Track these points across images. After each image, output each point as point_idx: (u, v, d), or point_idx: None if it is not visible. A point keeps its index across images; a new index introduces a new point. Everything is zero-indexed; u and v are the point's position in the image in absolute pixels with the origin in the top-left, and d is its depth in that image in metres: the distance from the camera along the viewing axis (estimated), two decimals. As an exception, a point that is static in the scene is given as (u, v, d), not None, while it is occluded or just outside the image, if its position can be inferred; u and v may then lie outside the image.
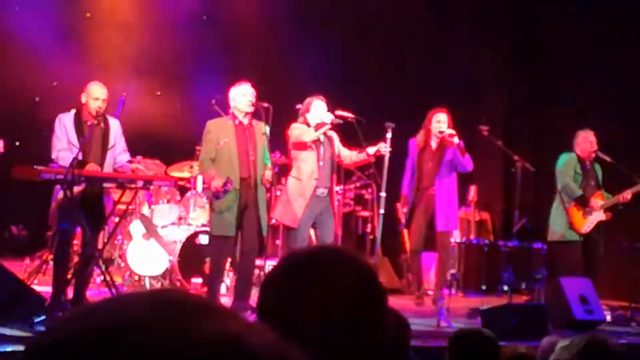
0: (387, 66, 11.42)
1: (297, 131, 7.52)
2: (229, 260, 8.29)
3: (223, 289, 8.07)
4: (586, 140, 8.57)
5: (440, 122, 8.25)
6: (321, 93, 7.64)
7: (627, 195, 8.40)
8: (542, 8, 11.72)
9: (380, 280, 1.40)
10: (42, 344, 0.76)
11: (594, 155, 8.56)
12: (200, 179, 8.94)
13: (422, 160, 8.32)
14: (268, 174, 7.21)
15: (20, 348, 4.99)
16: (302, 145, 7.49)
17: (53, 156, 6.75)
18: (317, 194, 7.43)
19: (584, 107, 10.49)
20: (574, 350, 2.46)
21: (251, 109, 7.17)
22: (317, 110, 7.57)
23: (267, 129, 7.27)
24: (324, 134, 7.60)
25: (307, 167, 7.50)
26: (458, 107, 8.45)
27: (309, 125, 7.57)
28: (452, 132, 8.15)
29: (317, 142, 7.52)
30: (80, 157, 6.57)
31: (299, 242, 7.37)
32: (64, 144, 6.76)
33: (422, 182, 8.30)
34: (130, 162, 7.09)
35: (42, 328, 5.65)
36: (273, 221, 9.13)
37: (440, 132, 8.20)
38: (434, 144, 8.32)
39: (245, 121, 7.22)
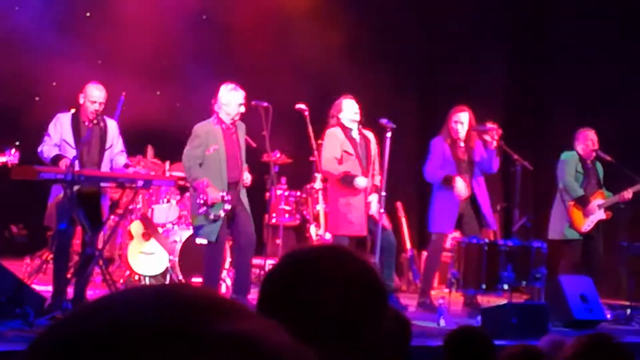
0: (386, 65, 11.40)
1: (326, 152, 7.69)
2: (229, 259, 8.28)
3: (223, 288, 8.05)
4: (587, 139, 8.55)
5: (458, 122, 8.07)
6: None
7: (628, 194, 8.38)
8: (544, 6, 11.71)
9: (381, 279, 1.39)
10: (43, 345, 0.70)
11: (594, 154, 8.55)
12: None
13: (458, 159, 8.10)
14: (247, 176, 7.23)
15: (20, 348, 4.99)
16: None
17: (38, 150, 6.78)
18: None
19: (583, 105, 10.48)
20: (578, 347, 2.46)
21: (238, 118, 7.18)
22: (349, 109, 7.61)
23: (244, 127, 7.29)
24: (360, 132, 7.73)
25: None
26: (453, 105, 8.40)
27: (342, 126, 7.61)
28: (494, 126, 8.07)
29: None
30: (77, 157, 6.59)
31: None
32: (55, 140, 6.78)
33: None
34: (127, 165, 7.05)
35: (43, 328, 5.65)
36: (273, 221, 9.14)
37: (477, 128, 8.11)
38: (461, 143, 8.14)
39: (231, 125, 7.20)
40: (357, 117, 7.73)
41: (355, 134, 7.76)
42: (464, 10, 11.69)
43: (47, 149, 6.72)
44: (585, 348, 2.46)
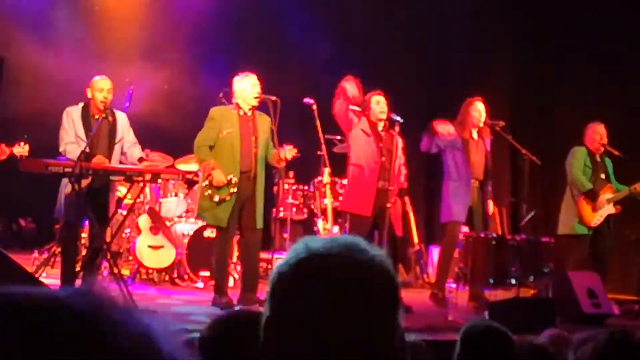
0: (390, 62, 11.38)
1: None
2: (236, 253, 8.28)
3: (230, 282, 8.04)
4: (596, 133, 8.52)
5: (479, 111, 8.05)
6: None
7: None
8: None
9: (394, 273, 1.38)
10: None
11: (602, 148, 8.52)
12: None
13: (469, 152, 8.03)
14: (287, 152, 7.15)
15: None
16: None
17: (61, 149, 6.78)
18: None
19: (589, 100, 10.45)
20: (596, 344, 2.43)
21: (257, 103, 7.13)
22: (375, 107, 7.61)
23: (270, 122, 7.22)
24: (385, 130, 7.63)
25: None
26: (461, 101, 8.38)
27: (370, 122, 7.60)
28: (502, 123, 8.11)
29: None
30: (87, 150, 6.60)
31: None
32: (72, 137, 6.78)
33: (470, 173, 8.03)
34: (141, 159, 7.04)
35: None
36: (281, 214, 9.14)
37: (485, 123, 8.11)
38: (475, 134, 8.11)
39: (249, 112, 7.17)
40: (383, 116, 7.64)
41: (380, 129, 7.68)
42: (470, 6, 11.68)
43: (71, 149, 6.69)
44: (607, 347, 2.42)
